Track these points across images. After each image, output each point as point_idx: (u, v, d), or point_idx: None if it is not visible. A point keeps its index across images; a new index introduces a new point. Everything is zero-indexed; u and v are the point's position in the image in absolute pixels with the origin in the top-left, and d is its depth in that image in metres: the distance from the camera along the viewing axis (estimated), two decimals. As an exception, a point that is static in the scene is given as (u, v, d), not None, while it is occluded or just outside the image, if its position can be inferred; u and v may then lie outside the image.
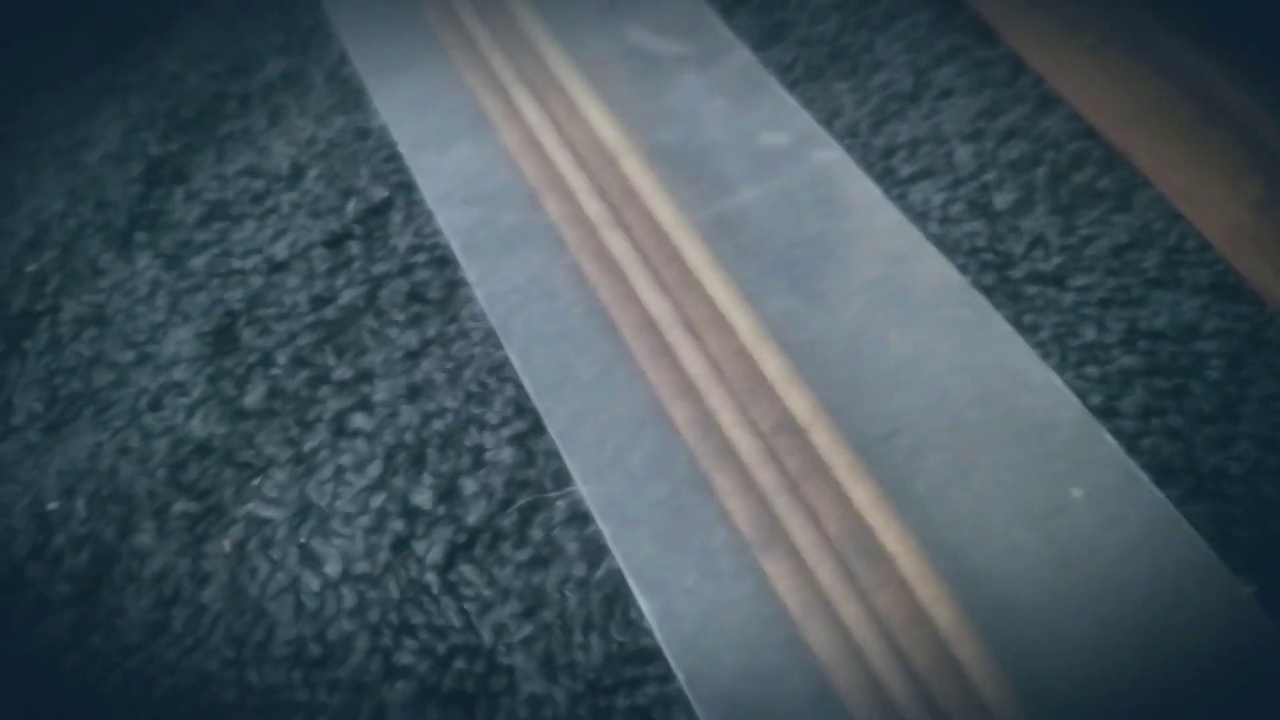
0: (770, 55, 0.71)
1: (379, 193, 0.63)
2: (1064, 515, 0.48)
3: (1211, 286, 0.56)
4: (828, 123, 0.66)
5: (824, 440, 0.50)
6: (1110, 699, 0.43)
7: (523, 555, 0.48)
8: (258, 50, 0.76)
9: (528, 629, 0.46)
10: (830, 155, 0.64)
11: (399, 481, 0.51)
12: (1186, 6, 0.68)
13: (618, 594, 0.47)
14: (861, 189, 0.62)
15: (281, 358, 0.56)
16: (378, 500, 0.50)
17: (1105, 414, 0.51)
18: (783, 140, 0.65)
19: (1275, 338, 0.54)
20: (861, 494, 0.48)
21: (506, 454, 0.51)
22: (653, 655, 0.45)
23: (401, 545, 0.49)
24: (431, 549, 0.48)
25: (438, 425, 0.52)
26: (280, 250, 0.61)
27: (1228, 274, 0.57)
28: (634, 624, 0.46)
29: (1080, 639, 0.44)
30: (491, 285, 0.58)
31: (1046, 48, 0.69)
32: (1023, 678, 0.43)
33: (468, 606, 0.47)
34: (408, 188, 0.64)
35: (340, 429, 0.53)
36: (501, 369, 0.55)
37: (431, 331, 0.57)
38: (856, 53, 0.72)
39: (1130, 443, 0.50)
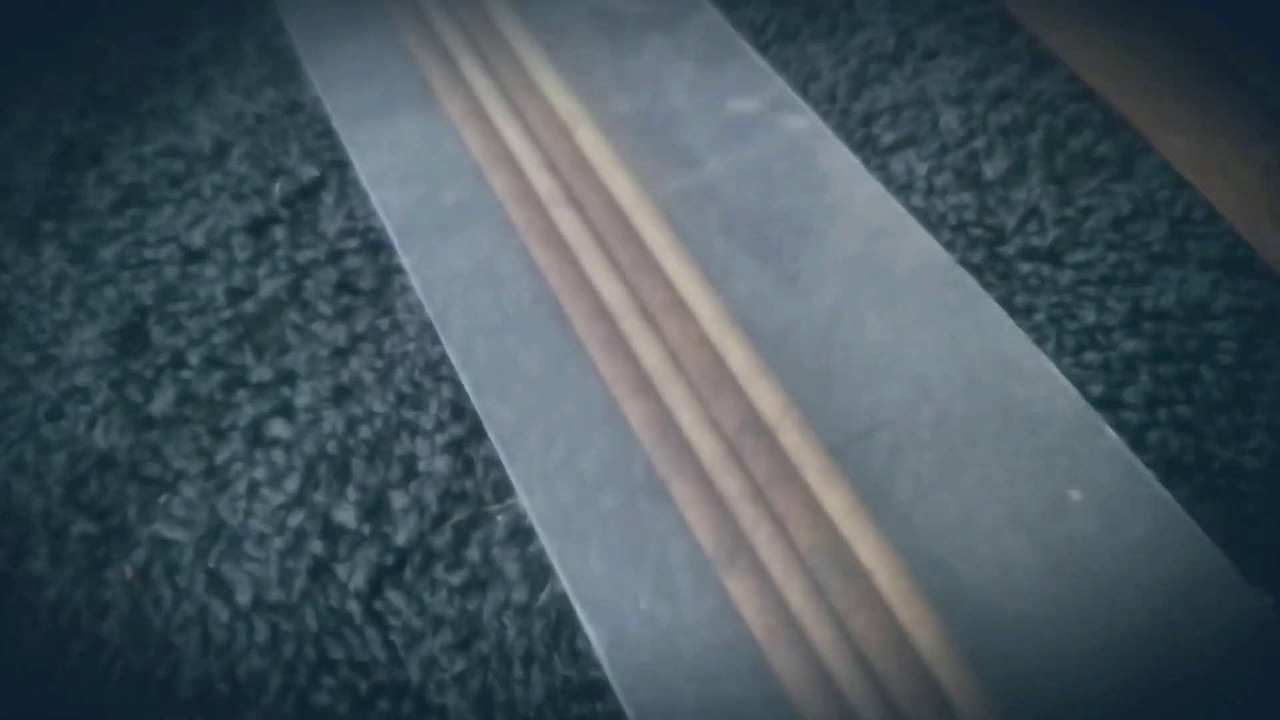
0: (742, 14, 0.66)
1: (309, 172, 0.58)
2: (1061, 519, 0.44)
3: (1221, 260, 0.53)
4: (803, 87, 0.62)
5: (794, 440, 0.45)
6: (1113, 729, 0.39)
7: (457, 579, 0.43)
8: (189, 18, 0.70)
9: (461, 663, 0.41)
10: (805, 123, 0.59)
11: (320, 497, 0.46)
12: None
13: (563, 620, 0.42)
14: (839, 159, 0.57)
15: (194, 358, 0.51)
16: (296, 519, 0.45)
17: (1107, 405, 0.48)
18: (754, 107, 0.61)
19: (1292, 315, 0.50)
20: (835, 501, 0.44)
21: (441, 463, 0.46)
22: (602, 689, 0.41)
23: (321, 569, 0.44)
24: (354, 573, 0.43)
25: (365, 432, 0.47)
26: (197, 238, 0.55)
27: (1238, 246, 0.53)
28: (581, 654, 0.41)
29: (1078, 661, 0.40)
30: (430, 271, 0.53)
31: (1040, 3, 0.65)
32: (1013, 706, 0.39)
33: (394, 638, 0.42)
34: (341, 165, 0.59)
35: (257, 438, 0.48)
36: (438, 367, 0.49)
37: (361, 326, 0.51)
38: (835, 10, 0.67)
39: (1135, 437, 0.47)
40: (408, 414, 0.48)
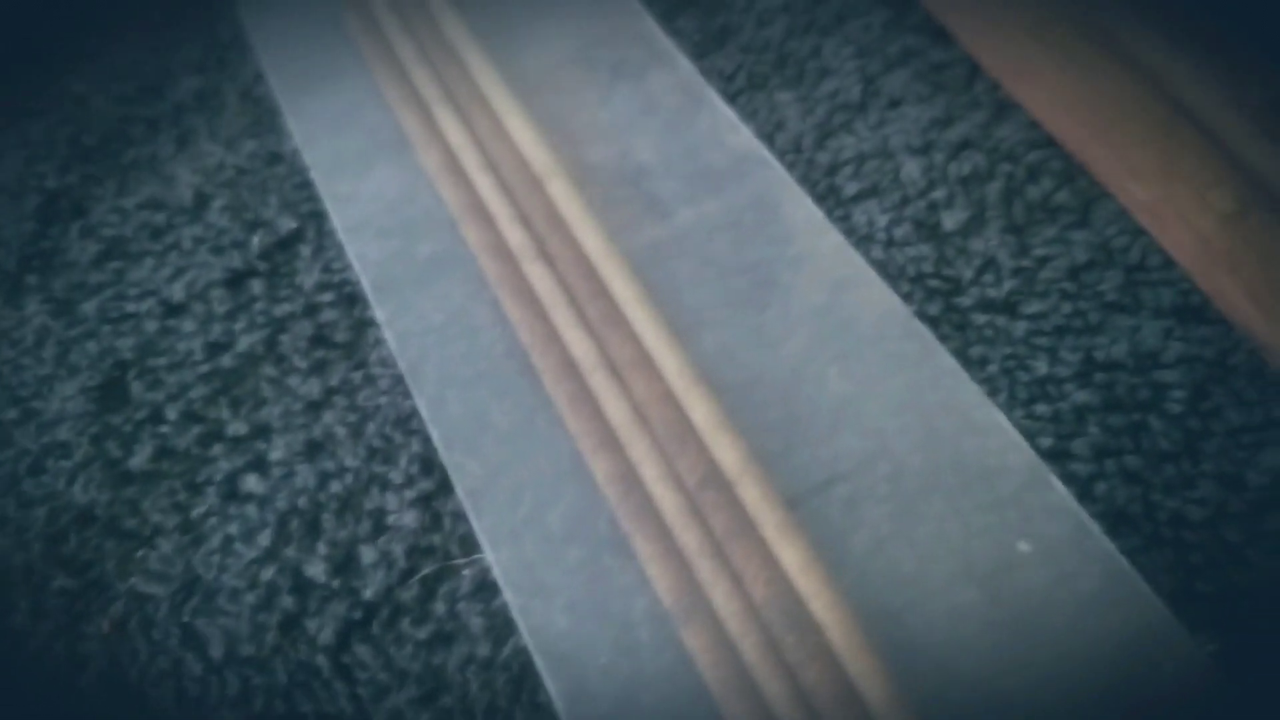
0: (711, 63, 0.68)
1: (287, 224, 0.59)
2: (1011, 572, 0.44)
3: (1175, 309, 0.53)
4: (770, 137, 0.63)
5: (753, 495, 0.47)
6: (1058, 781, 0.40)
7: (423, 633, 0.44)
8: (172, 67, 0.71)
9: (426, 717, 0.42)
10: (772, 174, 0.60)
11: (291, 552, 0.47)
12: (1155, 3, 0.64)
13: (526, 674, 0.43)
14: (803, 210, 0.58)
15: (172, 413, 0.52)
16: (268, 573, 0.46)
17: (1056, 456, 0.48)
18: (722, 158, 0.62)
19: (1242, 364, 0.51)
20: (791, 555, 0.45)
21: (410, 518, 0.47)
22: (561, 743, 0.42)
23: (291, 624, 0.45)
24: (324, 628, 0.45)
25: (336, 487, 0.49)
26: (177, 291, 0.57)
27: (1193, 294, 0.54)
28: (542, 708, 0.42)
29: (1025, 714, 0.41)
30: (404, 324, 0.54)
31: (1004, 50, 0.66)
32: (962, 759, 0.40)
33: (361, 691, 0.43)
34: (319, 217, 0.60)
35: (231, 493, 0.49)
36: (409, 420, 0.51)
37: (335, 379, 0.53)
38: (803, 59, 0.68)
39: (1083, 488, 0.47)
40: (378, 468, 0.49)
